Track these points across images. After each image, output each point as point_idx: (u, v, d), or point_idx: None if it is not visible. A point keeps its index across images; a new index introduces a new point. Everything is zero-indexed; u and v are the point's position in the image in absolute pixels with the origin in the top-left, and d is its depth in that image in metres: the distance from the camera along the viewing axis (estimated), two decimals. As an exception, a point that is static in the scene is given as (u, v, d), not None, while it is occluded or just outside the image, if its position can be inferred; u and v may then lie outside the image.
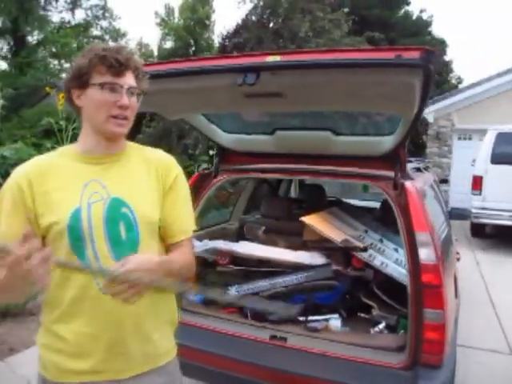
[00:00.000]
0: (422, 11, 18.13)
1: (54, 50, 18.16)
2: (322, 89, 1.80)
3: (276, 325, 2.47)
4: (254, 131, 2.76)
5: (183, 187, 1.46)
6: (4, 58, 17.66)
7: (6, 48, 17.82)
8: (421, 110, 1.85)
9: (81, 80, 1.25)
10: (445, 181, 9.25)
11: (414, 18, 18.10)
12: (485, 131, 8.18)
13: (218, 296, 1.41)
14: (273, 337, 2.37)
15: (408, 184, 2.21)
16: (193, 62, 1.88)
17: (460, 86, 15.24)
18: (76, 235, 1.23)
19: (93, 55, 1.24)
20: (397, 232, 3.41)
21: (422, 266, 2.07)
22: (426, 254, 2.07)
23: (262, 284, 2.63)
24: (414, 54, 1.50)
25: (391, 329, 2.40)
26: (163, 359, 1.39)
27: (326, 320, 2.47)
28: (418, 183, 2.42)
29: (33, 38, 18.07)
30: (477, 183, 7.81)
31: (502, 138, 7.65)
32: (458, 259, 3.35)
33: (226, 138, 2.79)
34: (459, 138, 12.59)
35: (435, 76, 1.61)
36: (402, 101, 1.80)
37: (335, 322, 2.46)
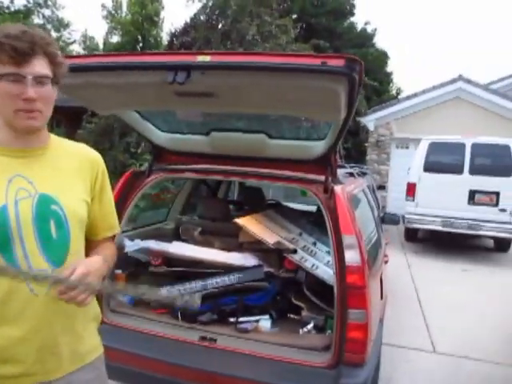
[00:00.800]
0: (366, 23, 18.82)
1: None
2: (251, 91, 1.81)
3: (206, 326, 2.46)
4: (190, 131, 2.74)
5: (108, 184, 1.44)
6: None
7: None
8: (348, 116, 1.91)
9: None
10: (382, 187, 9.66)
11: (359, 29, 18.74)
12: (420, 140, 8.61)
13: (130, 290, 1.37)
14: (202, 338, 2.36)
15: (337, 188, 2.28)
16: (123, 56, 1.84)
17: (399, 97, 15.95)
18: (3, 234, 1.15)
19: None
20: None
21: (347, 268, 2.14)
22: (351, 256, 2.14)
23: (194, 285, 2.61)
24: (339, 62, 1.55)
25: (319, 329, 2.46)
26: (91, 356, 1.37)
27: (257, 321, 2.50)
28: (347, 188, 2.50)
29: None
30: (410, 190, 8.21)
31: (433, 147, 8.09)
32: (386, 262, 3.49)
33: (160, 137, 2.75)
34: (397, 147, 13.19)
35: (360, 84, 1.66)
36: (328, 107, 1.85)
37: (265, 322, 2.48)
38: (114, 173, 7.04)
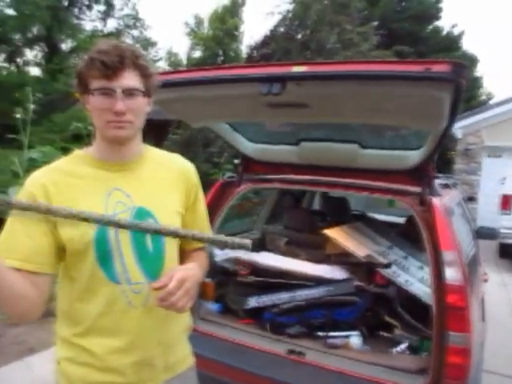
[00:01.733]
0: (453, 26, 17.88)
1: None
2: (348, 101, 1.76)
3: (294, 339, 2.42)
4: (279, 141, 2.74)
5: (202, 194, 1.46)
6: (38, 65, 18.21)
7: (40, 55, 18.40)
8: (450, 124, 1.79)
9: (81, 85, 1.19)
10: (472, 198, 9.02)
11: (445, 32, 17.85)
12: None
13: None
14: (290, 351, 2.32)
15: (435, 200, 2.15)
16: (217, 70, 1.87)
17: (490, 102, 14.90)
18: (103, 248, 1.18)
19: (88, 58, 1.15)
20: (423, 249, 3.35)
21: (447, 287, 1.99)
22: (451, 274, 1.99)
23: (282, 296, 2.59)
24: (444, 68, 1.45)
25: (413, 350, 2.32)
26: (182, 366, 1.39)
27: (347, 337, 2.41)
28: (445, 200, 2.35)
29: (66, 45, 18.61)
30: (507, 202, 7.58)
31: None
32: (486, 280, 3.22)
33: (250, 148, 2.78)
34: (489, 156, 12.30)
35: (464, 91, 1.55)
36: (429, 115, 1.75)
37: (356, 339, 2.39)
38: (197, 182, 7.27)
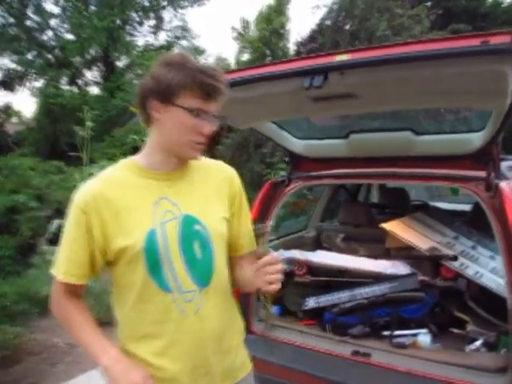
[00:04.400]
0: (514, -2, 16.63)
1: (140, 72, 19.39)
2: (397, 86, 1.65)
3: (358, 339, 2.33)
4: (327, 136, 2.65)
5: (246, 200, 1.44)
6: (97, 84, 19.17)
7: (98, 74, 19.34)
8: (515, 100, 1.63)
9: (165, 94, 1.16)
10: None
11: (506, 5, 16.65)
12: None
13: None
14: (355, 352, 2.23)
15: (503, 185, 1.97)
16: (255, 69, 1.83)
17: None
18: (153, 257, 1.19)
19: (187, 75, 1.13)
20: (493, 237, 3.11)
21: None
22: (528, 263, 1.82)
23: (341, 295, 2.50)
24: (504, 39, 1.32)
25: (490, 347, 2.15)
26: (242, 373, 1.37)
27: (414, 335, 2.27)
28: (515, 183, 2.16)
29: (121, 62, 19.42)
30: None
31: None
32: None
33: (297, 145, 2.71)
34: None
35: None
36: (492, 93, 1.60)
37: (424, 337, 2.25)
38: (252, 184, 7.30)
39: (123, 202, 1.20)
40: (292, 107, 2.04)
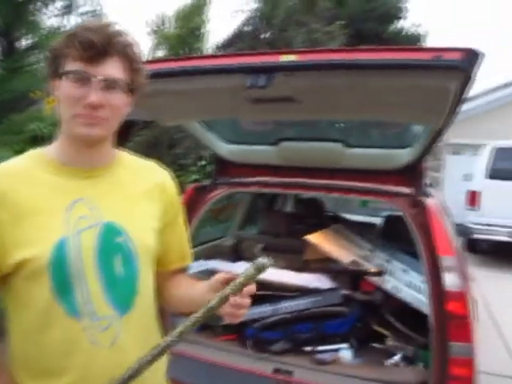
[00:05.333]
0: (417, 26, 18.19)
1: (46, 54, 17.84)
2: (343, 94, 1.58)
3: (279, 356, 2.22)
4: (256, 141, 2.54)
5: (180, 206, 1.23)
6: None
7: (-3, 52, 17.48)
8: (450, 118, 1.65)
9: (53, 66, 0.97)
10: (440, 195, 9.10)
11: (409, 32, 18.14)
12: (477, 146, 8.07)
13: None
14: (276, 370, 2.12)
15: (429, 202, 2.00)
16: (196, 60, 1.65)
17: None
18: (61, 274, 0.94)
19: (68, 36, 0.94)
20: (404, 251, 3.22)
21: (448, 294, 1.85)
22: (452, 281, 1.85)
23: (264, 309, 2.38)
24: (456, 55, 1.29)
25: (408, 360, 2.17)
26: None
27: (336, 350, 2.23)
28: (436, 200, 2.22)
29: (26, 41, 17.76)
30: (473, 198, 7.68)
31: (501, 152, 7.55)
32: (472, 278, 3.11)
33: (225, 148, 2.56)
34: (452, 153, 12.60)
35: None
36: (432, 109, 1.60)
37: (346, 352, 2.22)
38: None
39: (28, 203, 0.96)
40: (228, 107, 1.89)
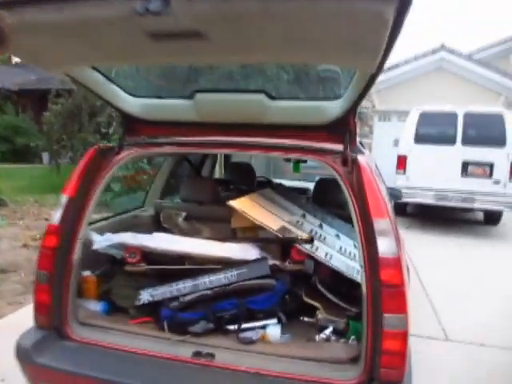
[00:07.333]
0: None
1: None
2: (259, 26, 1.28)
3: (200, 337, 1.97)
4: (169, 94, 2.19)
5: None
6: None
7: None
8: (385, 58, 1.41)
9: None
10: (370, 160, 9.22)
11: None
12: (403, 112, 8.18)
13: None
14: (197, 353, 1.87)
15: (361, 159, 1.79)
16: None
17: (380, 69, 15.47)
18: None
19: None
20: (336, 215, 3.06)
21: (381, 261, 1.66)
22: (386, 246, 1.66)
23: (182, 286, 2.11)
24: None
25: (340, 334, 2.00)
26: None
27: (263, 327, 2.02)
28: (369, 158, 2.02)
29: None
30: (401, 163, 7.81)
31: (424, 117, 7.69)
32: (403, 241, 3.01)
33: (132, 104, 2.19)
34: (379, 119, 12.87)
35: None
36: (363, 46, 1.34)
37: (274, 329, 2.01)
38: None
39: None
40: (122, 45, 1.52)
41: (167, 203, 3.11)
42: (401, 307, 1.65)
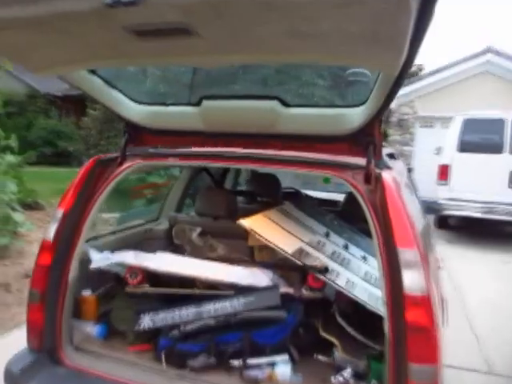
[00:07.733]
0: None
1: None
2: (256, 19, 1.05)
3: (200, 373, 1.76)
4: (175, 101, 2.00)
5: None
6: None
7: None
8: (411, 56, 1.15)
9: None
10: (410, 170, 8.79)
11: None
12: (447, 119, 7.70)
13: None
14: (194, 392, 1.66)
15: (386, 176, 1.52)
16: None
17: (421, 74, 14.86)
18: None
19: None
20: (366, 232, 2.77)
21: (407, 298, 1.39)
22: (412, 281, 1.39)
23: (184, 312, 1.90)
24: None
25: (359, 377, 1.73)
26: None
27: (271, 365, 1.78)
28: (396, 174, 1.74)
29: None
30: (443, 172, 7.35)
31: (469, 124, 7.20)
32: (439, 267, 2.69)
33: (136, 111, 2.02)
34: (421, 126, 12.31)
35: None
36: (383, 42, 1.09)
37: (283, 367, 1.76)
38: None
39: None
40: (107, 44, 1.33)
41: (182, 217, 2.92)
42: (430, 356, 1.37)
